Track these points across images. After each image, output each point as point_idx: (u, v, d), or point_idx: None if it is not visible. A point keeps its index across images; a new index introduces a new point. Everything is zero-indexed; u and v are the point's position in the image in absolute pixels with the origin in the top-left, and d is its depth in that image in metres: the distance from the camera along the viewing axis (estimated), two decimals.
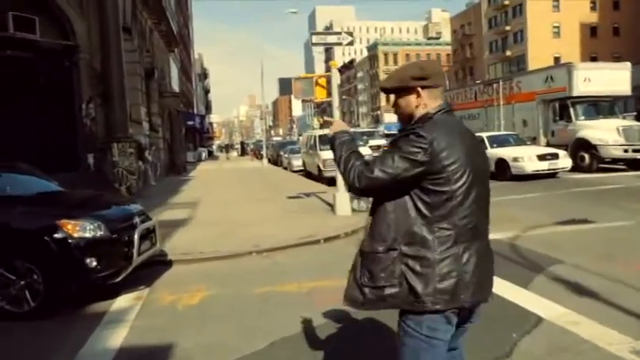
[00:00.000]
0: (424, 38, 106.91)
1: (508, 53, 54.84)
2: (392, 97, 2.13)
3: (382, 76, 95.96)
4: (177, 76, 38.77)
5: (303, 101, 12.18)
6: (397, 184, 1.94)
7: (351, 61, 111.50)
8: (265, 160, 32.03)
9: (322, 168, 16.59)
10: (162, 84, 25.97)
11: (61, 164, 13.72)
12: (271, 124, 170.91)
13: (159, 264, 6.37)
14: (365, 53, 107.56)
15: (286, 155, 26.65)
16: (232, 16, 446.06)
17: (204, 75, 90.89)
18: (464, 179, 1.92)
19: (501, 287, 4.59)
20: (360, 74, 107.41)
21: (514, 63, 52.85)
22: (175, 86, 34.22)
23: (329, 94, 9.89)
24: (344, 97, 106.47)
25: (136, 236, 5.14)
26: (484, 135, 15.83)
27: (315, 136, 18.13)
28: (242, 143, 61.91)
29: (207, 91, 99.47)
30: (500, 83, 20.44)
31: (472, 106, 22.42)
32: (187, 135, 43.78)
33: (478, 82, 30.14)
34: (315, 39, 9.40)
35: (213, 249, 6.92)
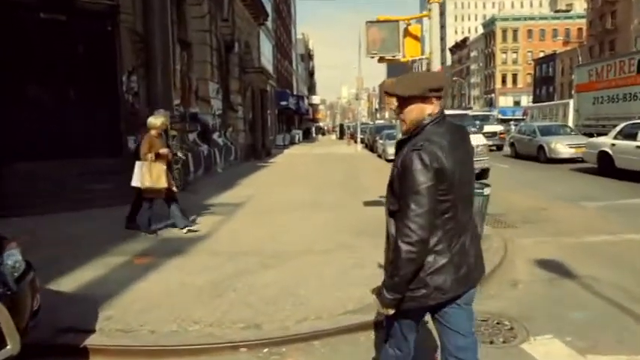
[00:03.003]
0: (551, 12, 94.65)
1: None
2: (394, 100, 2.18)
3: (500, 55, 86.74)
4: (272, 53, 36.56)
5: (380, 60, 7.75)
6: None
7: (464, 40, 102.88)
8: (359, 146, 28.59)
9: None
10: (247, 59, 23.54)
11: (102, 148, 11.53)
12: (377, 107, 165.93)
13: (62, 355, 3.33)
14: (480, 31, 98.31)
15: (381, 141, 22.94)
16: None
17: (308, 55, 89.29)
18: (454, 188, 2.06)
19: None
20: (473, 54, 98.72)
21: None
22: (268, 64, 31.91)
23: (423, 50, 6.13)
24: (455, 78, 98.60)
25: None
26: None
27: None
28: (341, 126, 58.66)
29: (311, 73, 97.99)
30: None
31: (631, 82, 16.77)
32: (281, 116, 41.77)
33: None
34: None
35: (176, 326, 3.67)
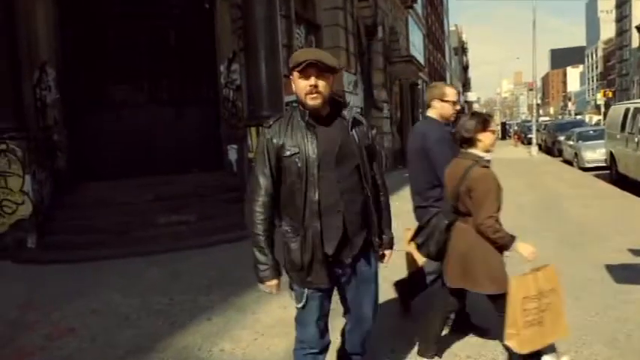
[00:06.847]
0: None
1: None
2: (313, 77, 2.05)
3: None
4: (423, 43, 32.23)
5: None
6: None
7: None
8: (534, 148, 22.83)
9: None
10: (393, 47, 19.80)
11: (200, 160, 8.91)
12: (539, 102, 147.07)
13: None
14: None
15: (571, 142, 17.27)
16: None
17: (462, 49, 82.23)
18: None
19: None
20: None
21: None
22: (418, 55, 27.70)
23: None
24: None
25: None
26: None
27: None
28: (503, 124, 51.13)
29: (465, 68, 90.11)
30: None
31: None
32: None
33: None
34: None
35: None
